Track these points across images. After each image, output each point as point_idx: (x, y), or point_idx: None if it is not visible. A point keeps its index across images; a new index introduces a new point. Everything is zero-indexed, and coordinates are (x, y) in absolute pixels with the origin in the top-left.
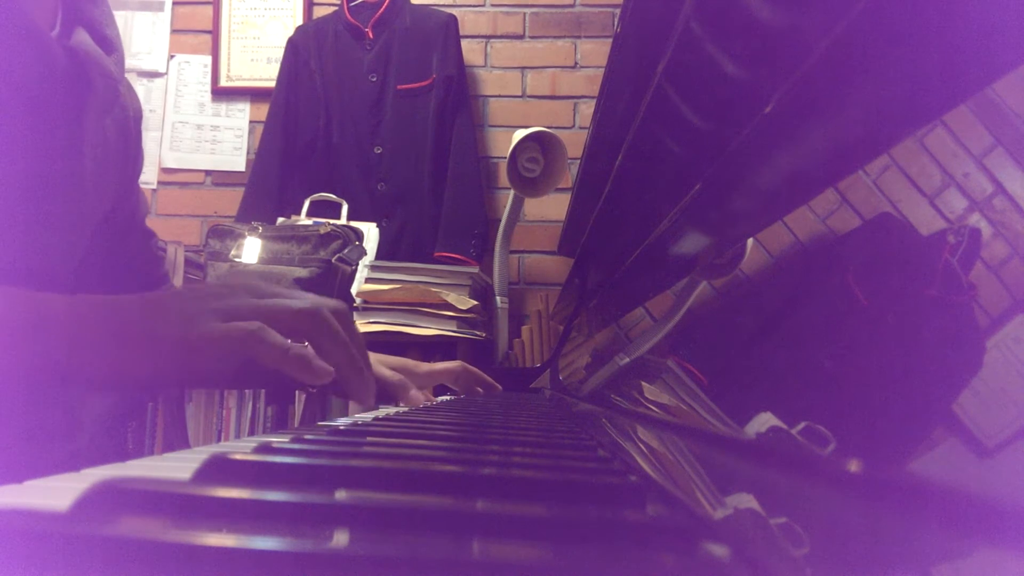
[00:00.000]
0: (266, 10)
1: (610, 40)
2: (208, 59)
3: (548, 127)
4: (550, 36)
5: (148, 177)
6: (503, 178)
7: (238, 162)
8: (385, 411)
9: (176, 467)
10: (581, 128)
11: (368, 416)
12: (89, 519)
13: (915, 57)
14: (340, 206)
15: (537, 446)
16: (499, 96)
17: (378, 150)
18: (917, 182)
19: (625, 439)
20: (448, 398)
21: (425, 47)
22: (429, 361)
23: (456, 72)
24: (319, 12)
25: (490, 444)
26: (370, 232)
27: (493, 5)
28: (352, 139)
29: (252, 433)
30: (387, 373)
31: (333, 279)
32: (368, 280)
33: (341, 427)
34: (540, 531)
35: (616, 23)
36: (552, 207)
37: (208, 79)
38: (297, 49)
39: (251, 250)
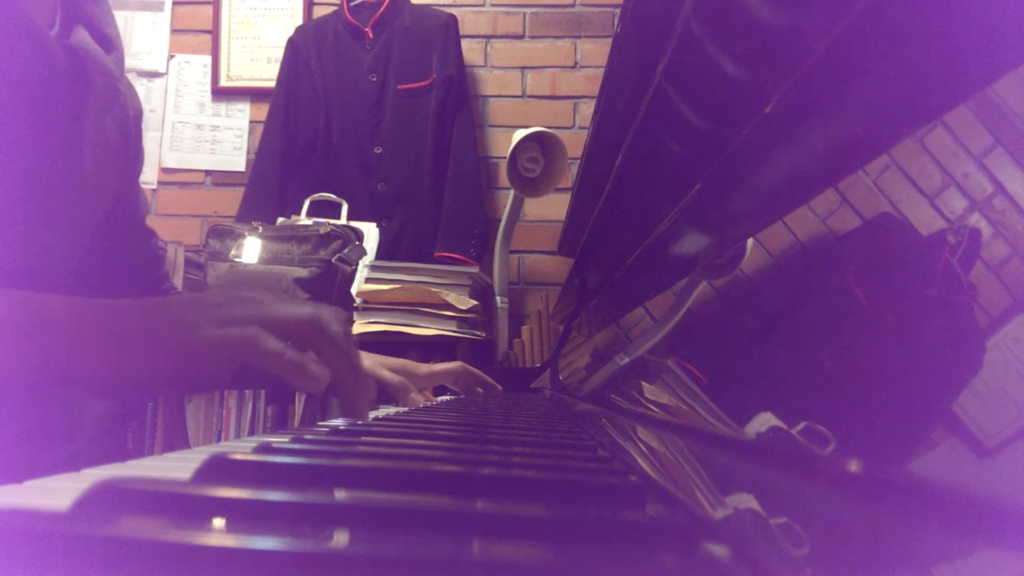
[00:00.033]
0: (266, 10)
1: (610, 40)
2: (208, 59)
3: (548, 127)
4: (550, 36)
5: (148, 177)
6: (503, 178)
7: (238, 162)
8: (385, 411)
9: (176, 467)
10: (581, 128)
11: (369, 416)
12: (89, 519)
13: (915, 57)
14: (340, 206)
15: (537, 446)
16: (499, 96)
17: (378, 150)
18: (917, 182)
19: (625, 439)
20: (448, 398)
21: (425, 47)
22: (429, 361)
23: (456, 72)
24: (319, 12)
25: (490, 444)
26: (370, 232)
27: (493, 5)
28: (352, 139)
29: (252, 433)
30: (387, 375)
31: (333, 279)
32: (368, 280)
33: (341, 427)
34: (540, 531)
35: (616, 23)
36: (552, 207)
37: (208, 79)
38: (297, 49)
39: (251, 250)
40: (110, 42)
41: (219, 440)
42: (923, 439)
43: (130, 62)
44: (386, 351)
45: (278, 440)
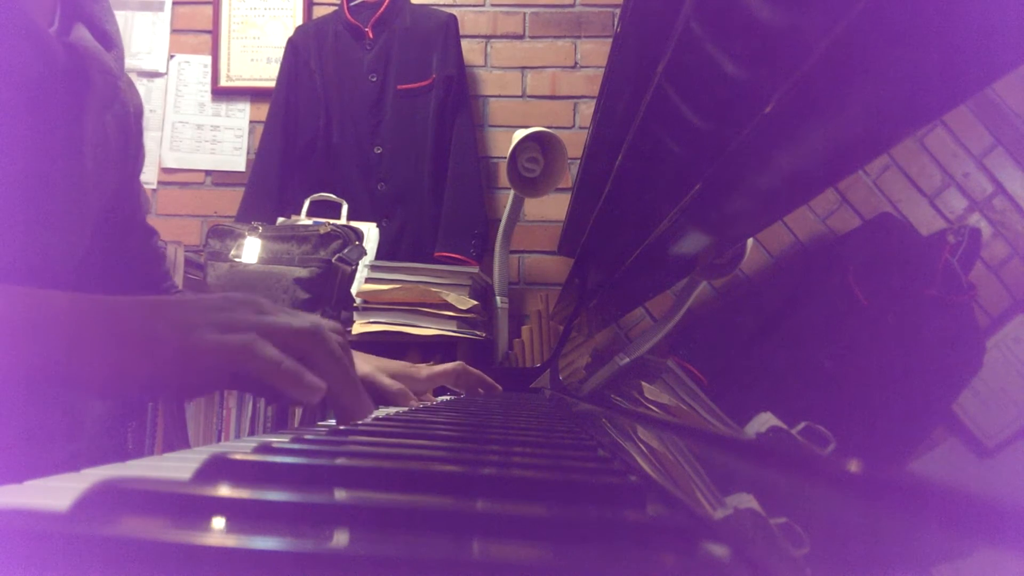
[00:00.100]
0: (266, 10)
1: (610, 40)
2: (208, 59)
3: (548, 127)
4: (550, 36)
5: (148, 177)
6: (503, 178)
7: (238, 162)
8: (385, 411)
9: (176, 467)
10: (581, 128)
11: (368, 416)
12: (89, 519)
13: (915, 57)
14: (340, 206)
15: (537, 446)
16: (499, 96)
17: (378, 150)
18: (917, 182)
19: (625, 439)
20: (448, 398)
21: (425, 47)
22: (429, 361)
23: (456, 72)
24: (319, 12)
25: (490, 444)
26: (370, 232)
27: (493, 5)
28: (352, 139)
29: (252, 433)
30: (387, 382)
31: (333, 279)
32: (368, 280)
33: (341, 427)
34: (540, 531)
35: (616, 23)
36: (552, 207)
37: (208, 79)
38: (297, 49)
39: (251, 250)
40: (110, 39)
41: (219, 440)
42: (923, 439)
43: (130, 62)
44: (386, 351)
45: (278, 440)
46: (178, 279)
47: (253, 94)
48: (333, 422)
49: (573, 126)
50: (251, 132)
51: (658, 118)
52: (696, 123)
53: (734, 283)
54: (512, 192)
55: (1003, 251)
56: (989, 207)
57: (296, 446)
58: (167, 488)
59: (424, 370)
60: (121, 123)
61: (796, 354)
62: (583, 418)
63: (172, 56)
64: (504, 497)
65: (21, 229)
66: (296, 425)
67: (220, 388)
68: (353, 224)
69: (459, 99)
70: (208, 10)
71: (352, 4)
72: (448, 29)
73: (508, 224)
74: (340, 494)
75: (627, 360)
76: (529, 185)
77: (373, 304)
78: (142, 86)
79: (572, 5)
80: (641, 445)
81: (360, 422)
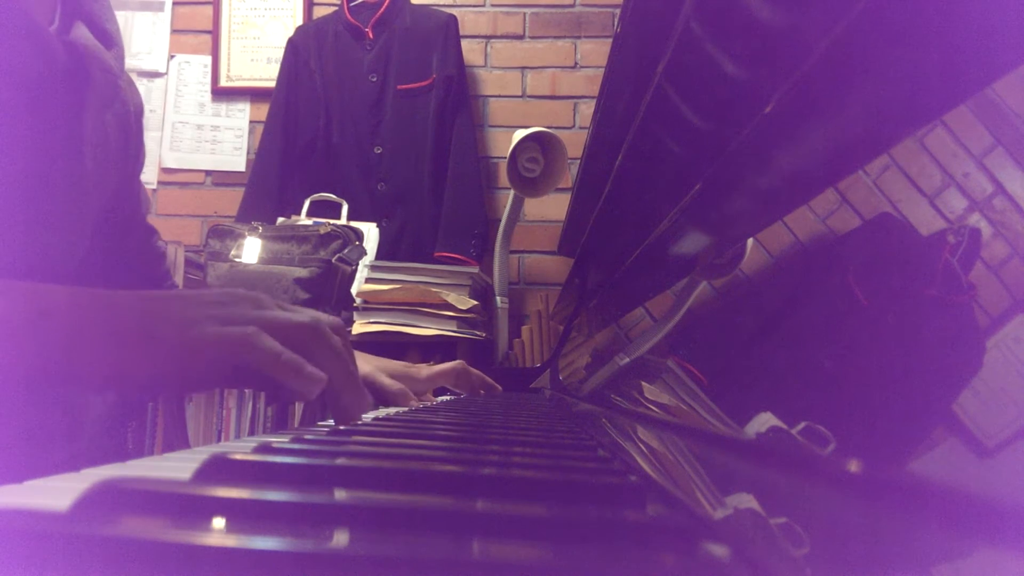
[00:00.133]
0: (266, 10)
1: (610, 40)
2: (208, 59)
3: (548, 127)
4: (550, 36)
5: (148, 177)
6: (503, 178)
7: (238, 162)
8: (385, 411)
9: (176, 467)
10: (581, 128)
11: (368, 416)
12: (89, 519)
13: (915, 57)
14: (340, 206)
15: (537, 446)
16: (499, 96)
17: (378, 150)
18: (917, 182)
19: (625, 439)
20: (448, 398)
21: (425, 47)
22: (429, 361)
23: (456, 72)
24: (319, 12)
25: (490, 444)
26: (370, 232)
27: (493, 5)
28: (352, 139)
29: (252, 433)
30: (387, 382)
31: (333, 279)
32: (368, 280)
33: (341, 427)
34: (540, 531)
35: (616, 23)
36: (552, 207)
37: (208, 79)
38: (297, 49)
39: (251, 250)
40: (110, 38)
41: (219, 440)
42: (923, 439)
43: (130, 62)
44: (386, 351)
45: (278, 440)
46: (178, 279)
47: (253, 94)
48: (333, 422)
49: (573, 126)
50: (251, 132)
51: (658, 118)
52: (696, 123)
53: (734, 283)
54: (512, 192)
55: (1003, 251)
56: (989, 207)
57: (296, 446)
58: (167, 488)
59: (424, 370)
60: (121, 122)
61: (796, 354)
62: (583, 418)
63: (172, 56)
64: (504, 497)
65: (21, 229)
66: (296, 425)
67: (221, 383)
68: (353, 224)
69: (459, 99)
70: (208, 10)
71: (352, 4)
72: (448, 29)
73: (508, 224)
74: (340, 494)
75: (627, 360)
76: (529, 185)
77: (373, 304)
78: (142, 86)
79: (572, 5)
80: (641, 445)
81: (360, 422)
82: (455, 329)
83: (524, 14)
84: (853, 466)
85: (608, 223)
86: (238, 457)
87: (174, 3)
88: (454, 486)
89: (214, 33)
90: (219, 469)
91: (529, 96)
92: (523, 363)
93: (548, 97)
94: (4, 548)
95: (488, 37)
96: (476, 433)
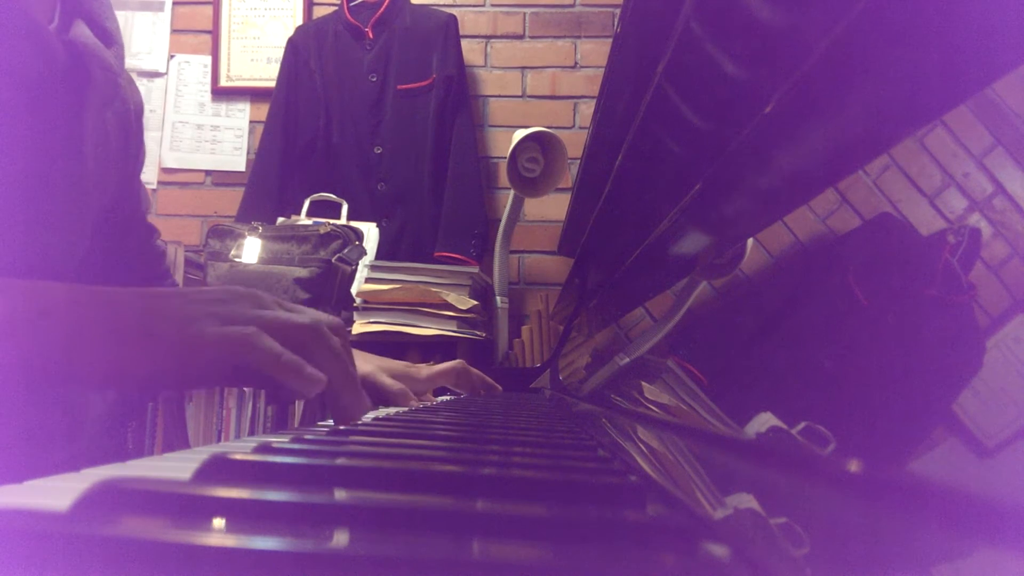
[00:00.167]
0: (266, 10)
1: (610, 40)
2: (208, 59)
3: (548, 127)
4: (550, 36)
5: (148, 177)
6: (503, 178)
7: (238, 162)
8: (385, 411)
9: (176, 467)
10: (581, 128)
11: (368, 416)
12: (89, 519)
13: (915, 57)
14: (340, 206)
15: (537, 446)
16: (499, 96)
17: (378, 150)
18: (917, 182)
19: (625, 439)
20: (448, 398)
21: (425, 47)
22: (429, 361)
23: (456, 72)
24: (319, 12)
25: (490, 444)
26: (370, 232)
27: (493, 5)
28: (352, 139)
29: (252, 433)
30: (388, 382)
31: (333, 279)
32: (368, 280)
33: (341, 427)
34: (540, 531)
35: (616, 23)
36: (552, 207)
37: (208, 79)
38: (297, 49)
39: (251, 250)
40: (110, 36)
41: (219, 440)
42: (923, 439)
43: (130, 62)
44: (386, 351)
45: (278, 440)
46: (178, 279)
47: (253, 94)
48: (332, 422)
49: (573, 126)
50: (251, 132)
51: (658, 118)
52: (696, 123)
53: (734, 283)
54: (512, 192)
55: (1003, 251)
56: (989, 207)
57: (296, 446)
58: (167, 488)
59: (424, 370)
60: (122, 121)
61: (796, 354)
62: (583, 418)
63: (172, 56)
64: (504, 497)
65: (21, 229)
66: (296, 425)
67: (221, 381)
68: (353, 224)
69: (459, 99)
70: (208, 10)
71: (352, 4)
72: (448, 29)
73: (508, 224)
74: (340, 494)
75: (627, 360)
76: (529, 185)
77: (373, 304)
78: (142, 86)
79: (572, 5)
80: (641, 445)
81: (360, 422)
82: (455, 329)
83: (524, 14)
84: (853, 466)
85: (608, 223)
86: (238, 457)
87: (174, 3)
88: (454, 486)
89: (214, 33)
90: (219, 469)
91: (529, 96)
92: (523, 363)
93: (548, 97)
94: (4, 548)
95: (488, 37)
96: (476, 433)
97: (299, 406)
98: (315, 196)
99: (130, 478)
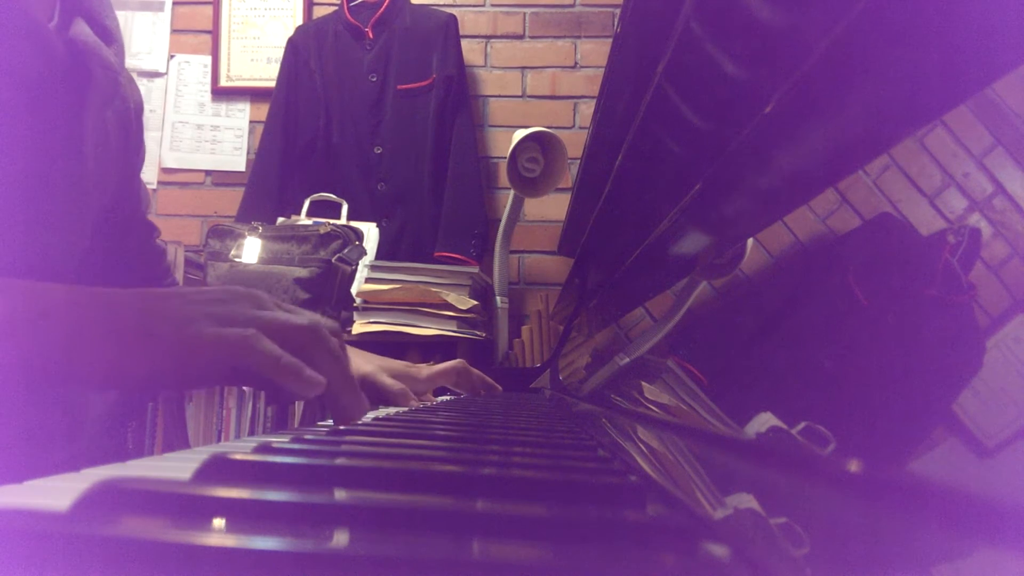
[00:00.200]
0: (266, 10)
1: (610, 40)
2: (208, 59)
3: (548, 127)
4: (550, 36)
5: (148, 177)
6: (503, 178)
7: (238, 162)
8: (385, 411)
9: (176, 467)
10: (581, 128)
11: (368, 416)
12: (89, 519)
13: (915, 57)
14: (340, 206)
15: (537, 446)
16: (499, 96)
17: (378, 150)
18: (917, 182)
19: (625, 439)
20: (448, 398)
21: (425, 47)
22: (429, 361)
23: (456, 72)
24: (319, 12)
25: (490, 444)
26: (370, 232)
27: (493, 5)
28: (352, 139)
29: (252, 433)
30: (388, 382)
31: (333, 279)
32: (368, 280)
33: (341, 427)
34: (540, 531)
35: (616, 23)
36: (552, 207)
37: (208, 79)
38: (297, 49)
39: (251, 250)
40: (110, 34)
41: (219, 440)
42: (923, 439)
43: (130, 62)
44: (386, 351)
45: (278, 440)
46: (178, 279)
47: (253, 94)
48: (332, 422)
49: (573, 126)
50: (251, 132)
51: (658, 118)
52: (696, 123)
53: (734, 283)
54: (512, 192)
55: (1003, 251)
56: (989, 207)
57: (296, 446)
58: (167, 488)
59: (424, 370)
60: (122, 119)
61: (796, 354)
62: (583, 418)
63: (172, 56)
64: (504, 497)
65: (21, 229)
66: (296, 425)
67: (220, 381)
68: (353, 224)
69: (459, 99)
70: (208, 10)
71: (352, 4)
72: (448, 29)
73: (508, 224)
74: (340, 494)
75: (627, 360)
76: (529, 185)
77: (373, 304)
78: (142, 86)
79: (572, 5)
80: (641, 445)
81: (360, 422)
82: (455, 329)
83: (524, 14)
84: (853, 466)
85: (608, 223)
86: (238, 457)
87: (174, 3)
88: (454, 486)
89: (214, 33)
90: (219, 469)
91: (529, 96)
92: (523, 363)
93: (548, 97)
94: (4, 548)
95: (488, 37)
96: (476, 433)
97: (299, 406)
98: (315, 196)
99: (130, 478)
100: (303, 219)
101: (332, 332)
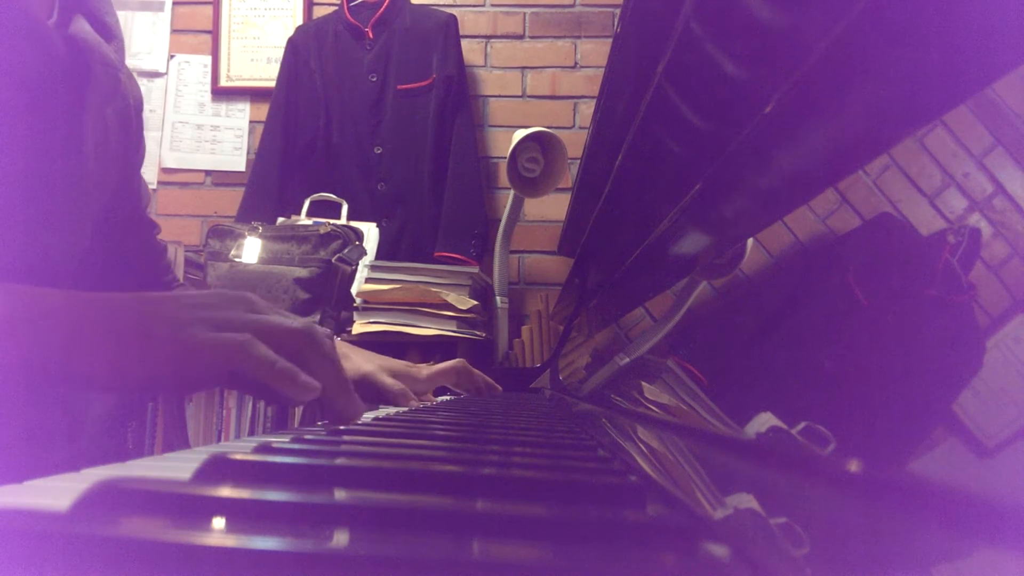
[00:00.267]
0: (266, 10)
1: (610, 40)
2: (208, 59)
3: (548, 127)
4: (550, 36)
5: (148, 177)
6: (503, 178)
7: (238, 162)
8: (385, 411)
9: (176, 467)
10: (581, 128)
11: (368, 416)
12: (89, 519)
13: (915, 57)
14: (340, 206)
15: (537, 446)
16: (499, 96)
17: (378, 150)
18: (917, 182)
19: (625, 439)
20: (448, 398)
21: (425, 47)
22: (429, 361)
23: (456, 72)
24: (319, 12)
25: (490, 444)
26: (370, 232)
27: (493, 5)
28: (352, 139)
29: (252, 433)
30: (388, 382)
31: (333, 279)
32: (368, 280)
33: (341, 427)
34: (540, 531)
35: (616, 23)
36: (552, 207)
37: (208, 79)
38: (297, 49)
39: (251, 250)
40: (109, 31)
41: (219, 440)
42: (923, 439)
43: (130, 62)
44: (386, 351)
45: (278, 440)
46: (179, 277)
47: (253, 94)
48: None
49: (573, 126)
50: (251, 132)
51: (658, 118)
52: (696, 123)
53: (734, 283)
54: (512, 192)
55: (1003, 251)
56: (989, 207)
57: (296, 446)
58: (167, 488)
59: (425, 370)
60: (122, 117)
61: (796, 354)
62: (583, 418)
63: (172, 56)
64: (504, 497)
65: (21, 229)
66: (296, 425)
67: (216, 386)
68: (353, 224)
69: (459, 99)
70: (208, 10)
71: (352, 4)
72: (448, 29)
73: (508, 224)
74: (340, 494)
75: (627, 360)
76: (529, 185)
77: (373, 304)
78: (142, 86)
79: (572, 5)
80: (641, 445)
81: (360, 422)
82: (455, 329)
83: (524, 14)
84: (853, 466)
85: (608, 223)
86: (238, 457)
87: (174, 3)
88: (454, 486)
89: (214, 33)
90: (219, 469)
91: (529, 96)
92: (523, 363)
93: (548, 97)
94: (4, 548)
95: (488, 37)
96: (476, 433)
97: (299, 407)
98: (315, 196)
99: (130, 478)
100: (303, 219)
101: (326, 336)
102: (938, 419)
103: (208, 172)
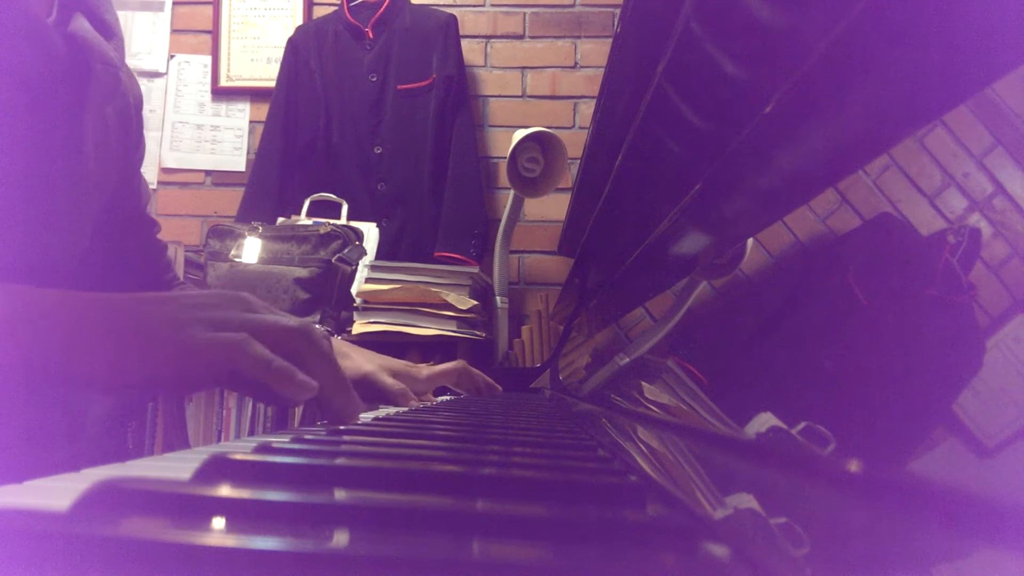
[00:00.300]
0: (266, 10)
1: (610, 40)
2: (208, 59)
3: (548, 127)
4: (550, 36)
5: (148, 177)
6: (503, 178)
7: (238, 162)
8: (385, 411)
9: (176, 467)
10: (581, 128)
11: (368, 416)
12: (89, 519)
13: (915, 57)
14: (340, 206)
15: (537, 446)
16: (499, 96)
17: (378, 150)
18: (917, 182)
19: (625, 439)
20: (448, 398)
21: (425, 47)
22: (429, 361)
23: (456, 72)
24: (319, 12)
25: (490, 444)
26: (370, 232)
27: (493, 5)
28: (352, 139)
29: (252, 433)
30: (388, 381)
31: (333, 279)
32: (368, 280)
33: (341, 427)
34: (540, 531)
35: (616, 23)
36: (552, 207)
37: (208, 79)
38: (297, 49)
39: (251, 250)
40: (109, 29)
41: (219, 440)
42: (923, 439)
43: (130, 62)
44: (386, 351)
45: (278, 440)
46: (179, 275)
47: (253, 94)
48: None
49: (573, 126)
50: (251, 132)
51: (658, 118)
52: (696, 123)
53: (734, 283)
54: (512, 192)
55: (1003, 251)
56: (989, 207)
57: (296, 446)
58: (167, 488)
59: (425, 370)
60: (122, 115)
61: (796, 354)
62: (583, 418)
63: (172, 56)
64: (504, 497)
65: (21, 229)
66: (296, 425)
67: (215, 386)
68: (353, 224)
69: (459, 99)
70: (208, 10)
71: (352, 4)
72: (448, 29)
73: (508, 224)
74: (340, 494)
75: (627, 360)
76: (529, 185)
77: (373, 304)
78: (142, 86)
79: (572, 5)
80: (641, 445)
81: (359, 421)
82: (455, 329)
83: (524, 14)
84: (853, 466)
85: (608, 223)
86: (238, 457)
87: (174, 3)
88: (454, 486)
89: (214, 33)
90: (219, 469)
91: (529, 96)
92: (523, 363)
93: (548, 97)
94: (4, 548)
95: (488, 37)
96: (476, 433)
97: (299, 406)
98: (315, 196)
99: (130, 478)
100: (303, 219)
101: (321, 335)
102: (938, 419)
103: (208, 172)
